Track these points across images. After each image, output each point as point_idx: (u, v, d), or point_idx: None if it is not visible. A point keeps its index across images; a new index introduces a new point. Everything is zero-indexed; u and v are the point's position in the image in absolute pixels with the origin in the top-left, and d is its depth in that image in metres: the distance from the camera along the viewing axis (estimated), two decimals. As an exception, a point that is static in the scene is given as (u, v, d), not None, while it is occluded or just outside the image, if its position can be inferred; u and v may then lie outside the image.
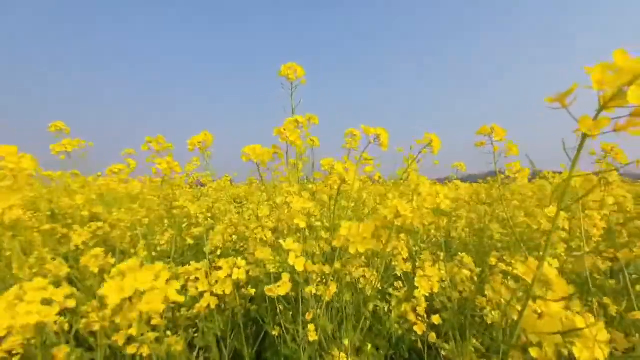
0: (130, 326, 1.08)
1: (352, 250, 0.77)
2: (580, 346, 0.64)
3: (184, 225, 1.76)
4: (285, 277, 0.90)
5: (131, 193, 1.89)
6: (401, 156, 1.43)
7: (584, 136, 0.52)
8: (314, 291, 1.04)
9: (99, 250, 1.32)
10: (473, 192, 3.03)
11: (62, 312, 1.32)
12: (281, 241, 0.86)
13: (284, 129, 1.15)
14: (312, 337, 1.10)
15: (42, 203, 1.90)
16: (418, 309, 1.39)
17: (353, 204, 1.46)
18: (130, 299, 0.63)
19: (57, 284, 1.43)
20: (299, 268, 0.84)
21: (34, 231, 1.68)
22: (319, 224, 1.14)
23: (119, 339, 1.14)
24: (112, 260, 1.37)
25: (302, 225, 0.89)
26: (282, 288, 0.90)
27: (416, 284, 1.10)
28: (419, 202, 0.80)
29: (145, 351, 1.11)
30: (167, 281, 0.67)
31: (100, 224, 1.69)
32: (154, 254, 1.76)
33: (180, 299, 0.67)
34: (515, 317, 1.07)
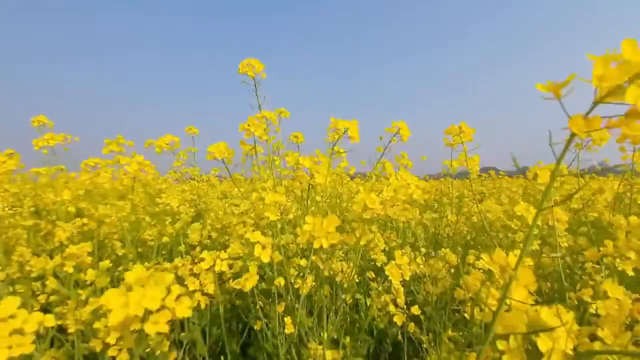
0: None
1: (316, 245, 0.78)
2: (544, 338, 0.63)
3: (167, 222, 1.76)
4: (253, 269, 0.92)
5: (117, 188, 1.89)
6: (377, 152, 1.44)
7: (573, 134, 0.48)
8: (282, 283, 1.05)
9: (87, 245, 1.31)
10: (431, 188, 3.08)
11: (43, 310, 1.33)
12: (248, 234, 0.87)
13: (248, 125, 1.16)
14: (289, 329, 1.12)
15: (26, 199, 1.89)
16: (398, 300, 1.42)
17: (327, 200, 1.48)
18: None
19: (43, 279, 1.44)
20: (265, 259, 0.86)
21: (17, 227, 1.68)
22: (291, 216, 1.15)
23: (96, 345, 1.12)
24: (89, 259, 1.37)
25: (273, 218, 0.90)
26: (249, 281, 0.91)
27: (387, 273, 1.12)
28: (388, 193, 0.82)
29: (124, 357, 1.09)
30: (178, 297, 0.62)
31: (85, 220, 1.70)
32: (139, 250, 1.77)
33: (189, 314, 0.62)
34: (483, 308, 1.11)
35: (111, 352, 1.08)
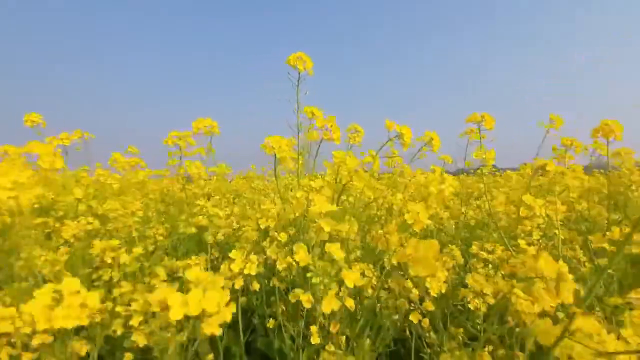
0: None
1: (412, 273, 0.71)
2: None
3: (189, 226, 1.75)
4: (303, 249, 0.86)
5: (133, 182, 1.84)
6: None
7: None
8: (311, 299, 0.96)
9: (114, 242, 1.29)
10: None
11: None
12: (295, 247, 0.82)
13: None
14: (315, 340, 1.10)
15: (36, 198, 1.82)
16: (411, 296, 1.44)
17: (352, 198, 1.50)
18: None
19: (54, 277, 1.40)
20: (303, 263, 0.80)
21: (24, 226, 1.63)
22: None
23: (117, 327, 1.08)
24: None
25: (327, 229, 0.84)
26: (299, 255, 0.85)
27: (427, 285, 1.11)
28: (430, 202, 0.82)
29: (141, 340, 1.09)
30: (229, 302, 0.66)
31: (90, 218, 1.65)
32: (151, 247, 1.74)
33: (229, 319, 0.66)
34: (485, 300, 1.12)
35: (136, 337, 1.08)
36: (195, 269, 0.67)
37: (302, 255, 0.85)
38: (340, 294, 0.85)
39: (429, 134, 1.34)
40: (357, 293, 1.26)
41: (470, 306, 1.51)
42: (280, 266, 1.20)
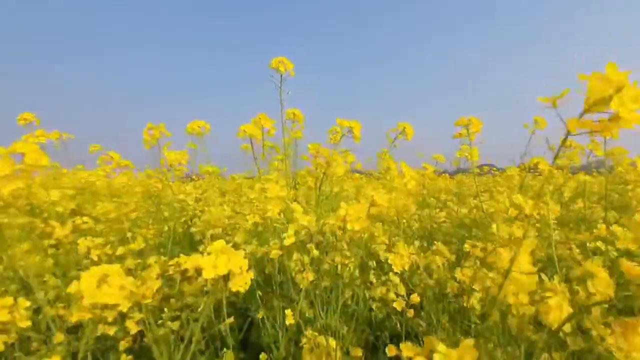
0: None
1: (349, 227, 0.84)
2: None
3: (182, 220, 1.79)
4: (291, 230, 0.97)
5: (115, 186, 1.88)
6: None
7: (567, 134, 0.63)
8: (304, 259, 1.07)
9: (99, 240, 1.37)
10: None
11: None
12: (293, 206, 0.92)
13: (259, 119, 1.21)
14: (290, 320, 1.16)
15: (19, 197, 1.87)
16: (399, 288, 1.45)
17: (336, 189, 1.53)
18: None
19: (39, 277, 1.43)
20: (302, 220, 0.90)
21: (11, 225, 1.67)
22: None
23: (109, 315, 1.12)
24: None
25: (277, 210, 0.94)
26: (288, 240, 0.98)
27: (390, 262, 1.17)
28: (395, 191, 0.87)
29: (132, 327, 1.13)
30: (249, 268, 0.77)
31: (85, 218, 1.68)
32: (143, 245, 1.78)
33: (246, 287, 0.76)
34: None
35: (131, 325, 1.11)
36: (217, 243, 0.77)
37: (273, 212, 1.01)
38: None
39: (402, 124, 1.38)
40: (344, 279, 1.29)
41: (466, 305, 1.51)
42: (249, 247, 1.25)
